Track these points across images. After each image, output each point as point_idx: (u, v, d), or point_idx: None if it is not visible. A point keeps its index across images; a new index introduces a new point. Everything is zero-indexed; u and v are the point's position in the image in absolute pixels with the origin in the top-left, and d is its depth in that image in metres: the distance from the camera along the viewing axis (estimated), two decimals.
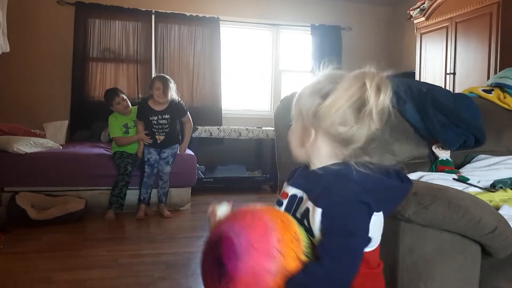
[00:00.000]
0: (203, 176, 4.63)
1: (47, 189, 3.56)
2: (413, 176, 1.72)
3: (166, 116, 3.61)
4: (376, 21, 5.90)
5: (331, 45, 5.65)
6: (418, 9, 4.63)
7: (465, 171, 1.91)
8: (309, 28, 5.63)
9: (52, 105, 4.84)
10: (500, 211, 1.41)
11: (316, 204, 0.85)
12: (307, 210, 0.87)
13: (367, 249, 0.88)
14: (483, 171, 1.88)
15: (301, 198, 0.91)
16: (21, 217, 3.13)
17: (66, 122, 4.60)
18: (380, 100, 0.84)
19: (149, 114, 3.59)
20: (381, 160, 0.92)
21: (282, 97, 1.84)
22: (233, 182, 4.79)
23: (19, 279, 2.27)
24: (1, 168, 3.42)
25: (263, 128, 4.95)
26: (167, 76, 3.66)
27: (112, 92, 3.80)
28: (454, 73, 4.16)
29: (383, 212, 0.92)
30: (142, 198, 3.63)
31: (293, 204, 0.92)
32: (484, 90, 2.35)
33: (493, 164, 1.91)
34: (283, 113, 1.78)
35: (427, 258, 1.19)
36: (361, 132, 0.86)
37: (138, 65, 5.13)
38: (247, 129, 4.87)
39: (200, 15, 5.25)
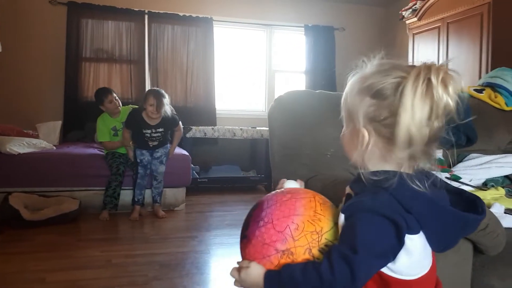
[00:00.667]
0: (197, 176, 4.63)
1: (41, 189, 3.55)
2: None
3: (160, 130, 3.62)
4: (368, 22, 5.94)
5: (324, 45, 5.68)
6: (410, 10, 4.66)
7: (457, 170, 1.94)
8: (303, 28, 5.65)
9: (45, 106, 4.82)
10: (492, 209, 1.43)
11: (342, 209, 0.82)
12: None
13: (407, 277, 0.79)
14: (475, 169, 1.90)
15: (348, 198, 0.89)
16: (14, 218, 3.11)
17: (60, 123, 4.58)
18: (447, 96, 0.76)
19: (143, 127, 3.57)
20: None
21: (275, 97, 1.85)
22: (227, 182, 4.78)
23: (12, 279, 2.26)
24: None
25: (257, 128, 4.96)
26: (161, 91, 3.59)
27: (105, 90, 3.79)
28: None
29: (442, 246, 0.82)
30: (136, 200, 3.62)
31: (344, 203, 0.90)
32: (475, 90, 2.38)
33: (485, 163, 1.93)
34: (277, 112, 1.79)
35: None
36: (424, 132, 0.77)
37: (131, 65, 5.12)
38: (241, 129, 4.87)
39: (194, 15, 5.25)
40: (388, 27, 5.86)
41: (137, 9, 5.08)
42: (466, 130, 1.93)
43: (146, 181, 3.66)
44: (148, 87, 5.06)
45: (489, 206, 1.48)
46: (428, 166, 0.81)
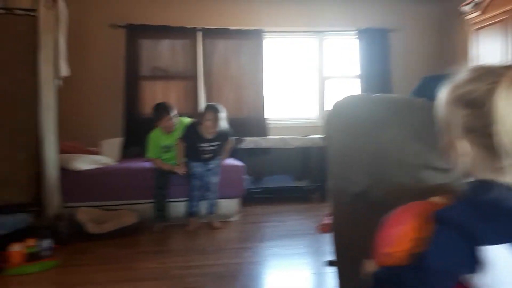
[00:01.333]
0: (251, 187, 4.65)
1: (101, 203, 3.73)
2: None
3: (215, 143, 3.70)
4: (424, 20, 5.68)
5: (379, 48, 5.51)
6: (472, 4, 4.39)
7: None
8: (355, 32, 5.53)
9: (105, 123, 5.07)
10: None
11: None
12: None
13: None
14: None
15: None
16: (80, 232, 3.30)
17: (120, 139, 4.81)
18: None
19: (198, 141, 3.66)
20: None
21: (327, 104, 1.80)
22: (281, 192, 4.76)
23: None
24: (63, 185, 3.61)
25: (309, 137, 4.89)
26: (219, 106, 3.66)
27: (164, 109, 3.80)
28: None
29: None
30: (191, 211, 3.70)
31: None
32: None
33: None
34: (335, 118, 1.73)
35: None
36: None
37: (186, 81, 5.28)
38: (293, 138, 4.83)
39: (244, 28, 5.32)
40: (445, 25, 5.57)
41: (190, 27, 5.24)
42: None
43: (200, 192, 3.73)
44: (202, 101, 5.18)
45: None
46: None
